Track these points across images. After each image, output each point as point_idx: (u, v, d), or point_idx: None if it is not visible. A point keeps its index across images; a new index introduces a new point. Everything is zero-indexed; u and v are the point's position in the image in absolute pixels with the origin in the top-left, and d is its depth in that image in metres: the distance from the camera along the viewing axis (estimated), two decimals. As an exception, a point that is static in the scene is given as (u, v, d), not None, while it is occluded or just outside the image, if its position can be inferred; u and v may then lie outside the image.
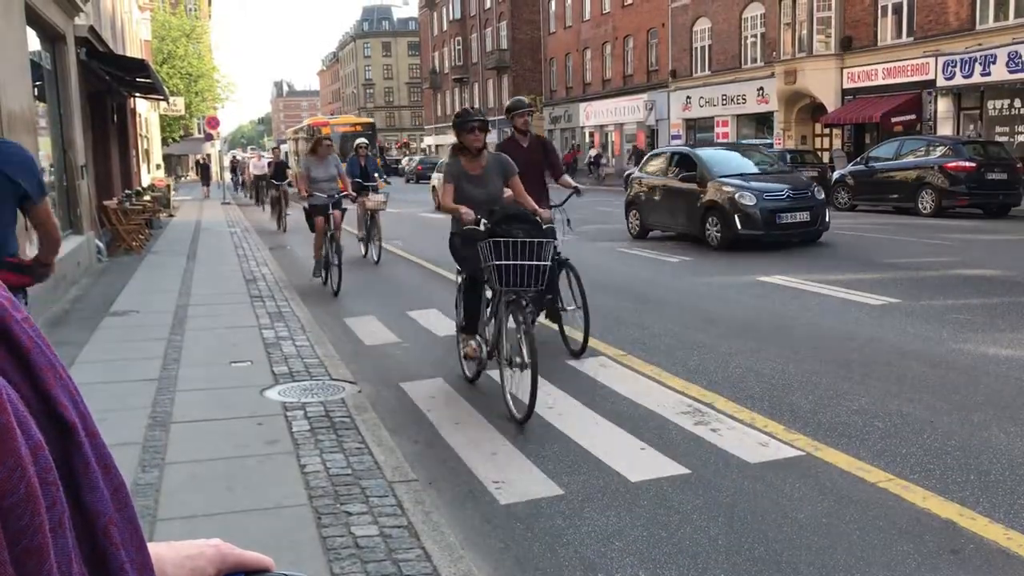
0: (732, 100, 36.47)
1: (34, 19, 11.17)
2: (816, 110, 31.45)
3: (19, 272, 4.34)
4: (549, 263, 5.93)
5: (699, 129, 39.45)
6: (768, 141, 33.16)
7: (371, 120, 44.30)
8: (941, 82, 26.13)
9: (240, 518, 4.10)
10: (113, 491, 0.72)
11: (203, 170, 44.96)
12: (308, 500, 4.26)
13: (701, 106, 38.63)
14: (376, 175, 15.41)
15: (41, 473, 0.60)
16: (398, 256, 15.43)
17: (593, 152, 46.52)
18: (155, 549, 0.89)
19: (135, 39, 29.19)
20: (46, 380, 0.68)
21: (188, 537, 0.94)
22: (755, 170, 15.75)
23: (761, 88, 34.03)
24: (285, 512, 4.15)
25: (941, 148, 20.43)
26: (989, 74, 24.52)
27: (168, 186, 30.72)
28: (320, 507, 4.16)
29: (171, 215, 26.23)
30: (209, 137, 41.30)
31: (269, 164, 28.96)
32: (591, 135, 51.08)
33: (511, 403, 5.85)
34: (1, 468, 0.55)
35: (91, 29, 14.96)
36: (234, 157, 55.17)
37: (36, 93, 11.20)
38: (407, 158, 66.14)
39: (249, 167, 32.16)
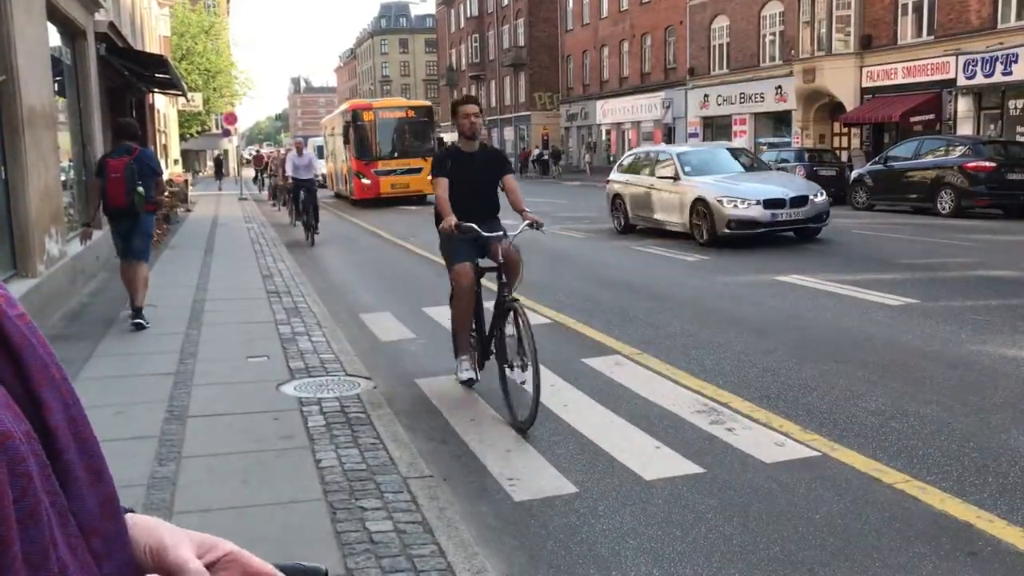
0: (750, 98, 36.29)
1: (55, 15, 11.25)
2: (835, 109, 31.25)
3: (153, 204, 8.73)
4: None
5: (716, 127, 39.31)
6: (786, 140, 33.03)
7: (426, 103, 31.90)
8: (961, 81, 25.91)
9: (255, 512, 4.11)
10: (102, 501, 0.71)
11: (217, 165, 50.46)
12: (323, 495, 4.27)
13: (719, 104, 38.47)
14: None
15: (10, 464, 0.59)
16: (412, 252, 15.45)
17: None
18: (169, 526, 0.88)
19: (154, 35, 29.37)
20: (35, 380, 0.67)
21: (203, 530, 0.94)
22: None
23: (779, 87, 33.85)
24: (300, 507, 4.16)
25: (961, 148, 20.26)
26: (1010, 73, 24.29)
27: (186, 181, 30.76)
28: (335, 502, 4.17)
29: (188, 210, 26.35)
30: (227, 133, 41.47)
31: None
32: (608, 133, 51.01)
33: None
34: None
35: (111, 25, 15.05)
36: (257, 151, 51.22)
37: (56, 88, 11.27)
38: None
39: (286, 166, 19.58)
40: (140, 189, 8.26)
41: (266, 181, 37.32)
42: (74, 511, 0.67)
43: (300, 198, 18.12)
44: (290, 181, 18.70)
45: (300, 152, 18.39)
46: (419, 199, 28.27)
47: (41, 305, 8.75)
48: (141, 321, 8.45)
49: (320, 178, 22.67)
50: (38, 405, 0.66)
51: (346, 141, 29.79)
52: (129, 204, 8.26)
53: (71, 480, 0.67)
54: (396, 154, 28.54)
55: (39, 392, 0.67)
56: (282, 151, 31.83)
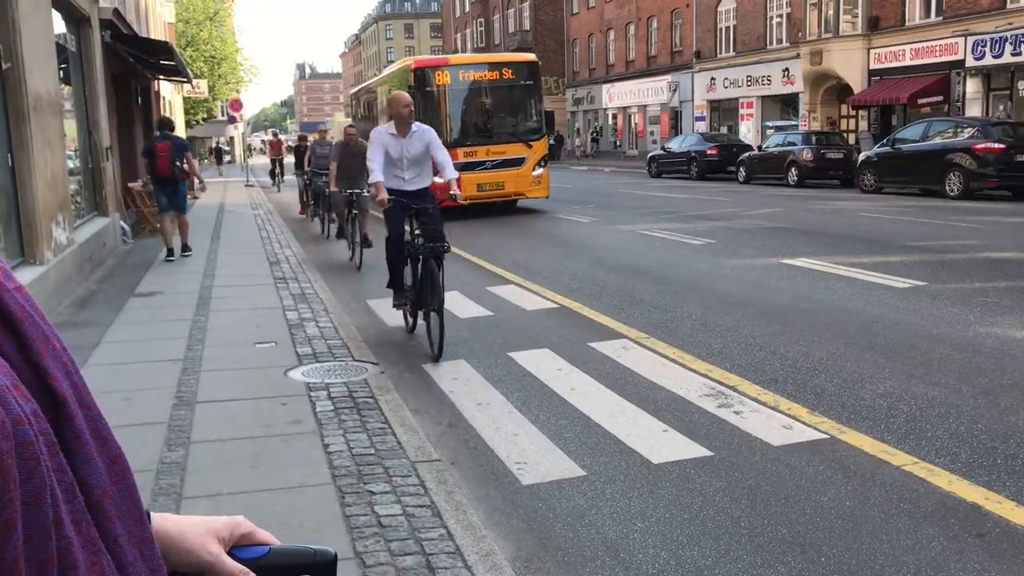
0: (757, 81, 36.12)
1: (59, 2, 11.23)
2: (842, 91, 31.08)
3: (186, 174, 12.16)
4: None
5: (723, 111, 39.15)
6: (793, 123, 32.88)
7: (528, 57, 20.25)
8: (970, 62, 25.73)
9: (264, 497, 4.13)
10: (110, 463, 0.72)
11: (218, 153, 53.26)
12: (332, 479, 4.29)
13: (725, 87, 38.30)
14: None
15: (18, 448, 0.60)
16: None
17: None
18: (174, 518, 0.90)
19: (159, 22, 29.31)
20: (37, 350, 0.67)
21: (213, 515, 0.95)
22: None
23: (786, 69, 33.68)
24: (309, 491, 4.18)
25: (969, 129, 20.14)
26: (1020, 54, 24.11)
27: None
28: (344, 486, 4.19)
29: (195, 197, 26.29)
30: (232, 120, 41.43)
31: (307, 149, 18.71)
32: (614, 117, 50.82)
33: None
34: None
35: (115, 12, 15.02)
36: (276, 135, 41.26)
37: (61, 75, 11.27)
38: None
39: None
40: (178, 164, 12.13)
41: (293, 178, 26.87)
42: (84, 476, 0.68)
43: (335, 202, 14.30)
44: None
45: (353, 142, 13.15)
46: (508, 204, 19.55)
47: (48, 292, 8.78)
48: (189, 253, 12.56)
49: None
50: (43, 375, 0.67)
51: None
52: (171, 173, 12.17)
53: (82, 445, 0.68)
54: (484, 137, 18.94)
55: (42, 362, 0.67)
56: (330, 135, 20.48)
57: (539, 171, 18.83)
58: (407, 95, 7.75)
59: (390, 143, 7.56)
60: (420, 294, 7.41)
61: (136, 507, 0.73)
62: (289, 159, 30.69)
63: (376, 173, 7.43)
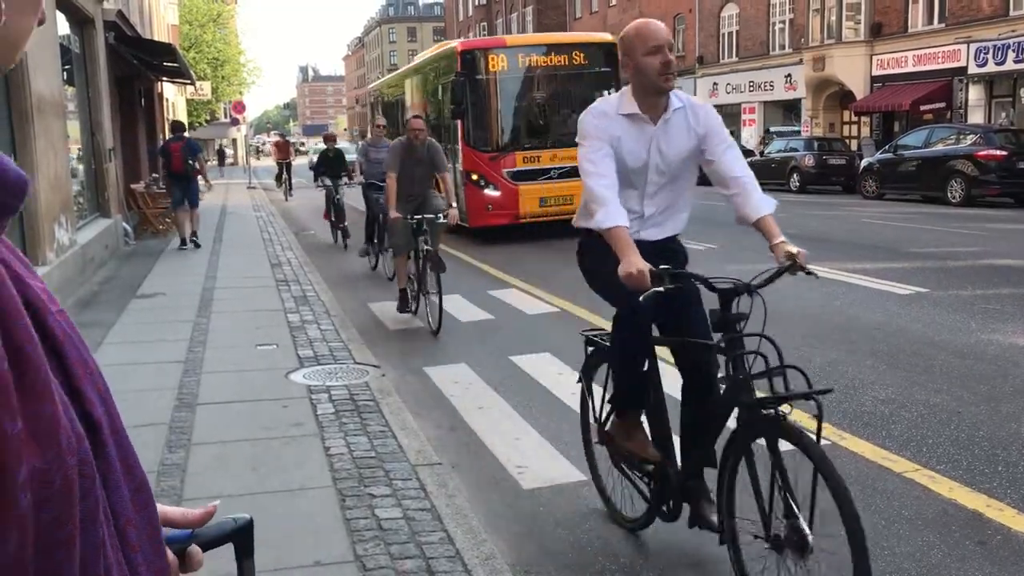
0: (759, 87, 36.13)
1: (63, 3, 11.25)
2: (845, 97, 31.09)
3: (197, 171, 14.05)
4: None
5: (726, 116, 39.09)
6: (796, 128, 32.89)
7: (604, 37, 16.34)
8: (973, 69, 25.73)
9: (265, 499, 4.13)
10: (134, 491, 0.71)
11: (220, 154, 54.30)
12: (332, 482, 4.29)
13: (728, 92, 38.31)
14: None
15: (80, 466, 0.60)
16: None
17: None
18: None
19: (162, 23, 29.35)
20: (77, 375, 0.67)
21: (214, 518, 0.95)
22: None
23: (789, 75, 33.68)
24: (309, 493, 4.18)
25: (971, 136, 20.14)
26: (1022, 61, 24.11)
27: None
28: (344, 489, 4.19)
29: (208, 188, 26.14)
30: (235, 122, 41.51)
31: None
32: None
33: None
34: (41, 460, 0.55)
35: (119, 13, 15.05)
36: (282, 136, 34.73)
37: (65, 77, 11.29)
38: None
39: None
40: (190, 161, 13.80)
41: (303, 184, 24.37)
42: (113, 503, 0.67)
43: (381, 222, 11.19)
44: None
45: (420, 142, 8.50)
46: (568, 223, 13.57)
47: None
48: (197, 241, 13.88)
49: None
50: (80, 399, 0.66)
51: (451, 115, 15.22)
52: (184, 170, 13.81)
53: (113, 472, 0.68)
54: (549, 138, 15.12)
55: (80, 386, 0.67)
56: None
57: None
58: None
59: (628, 133, 3.54)
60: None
61: (156, 537, 0.73)
62: (299, 161, 29.08)
63: (608, 207, 3.36)
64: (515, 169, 14.65)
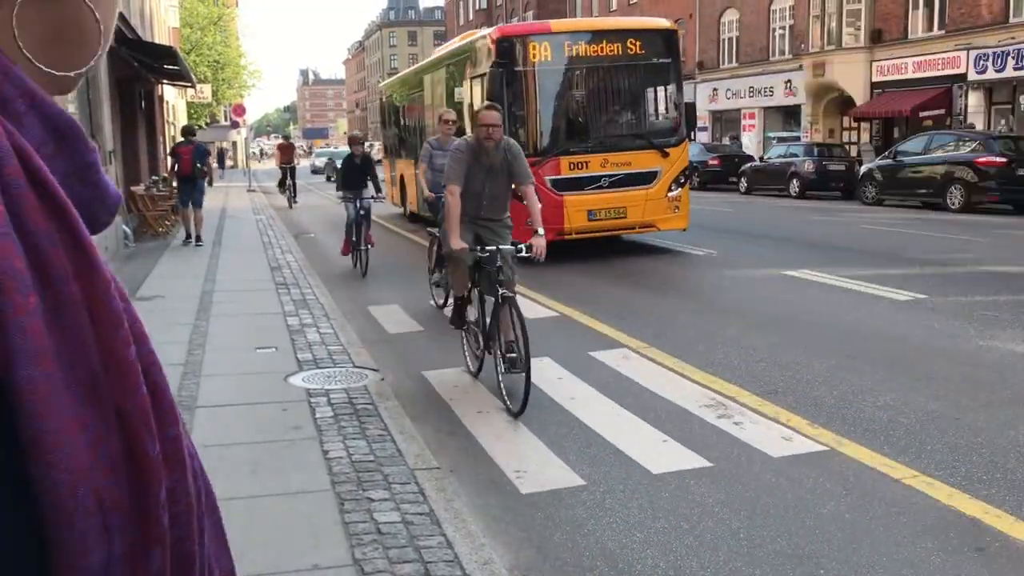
0: (759, 92, 36.15)
1: (65, 5, 11.26)
2: (845, 103, 31.12)
3: (204, 173, 15.63)
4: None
5: (725, 121, 39.19)
6: (796, 134, 32.92)
7: (661, 23, 14.03)
8: (972, 76, 25.76)
9: (263, 502, 4.13)
10: (205, 495, 0.73)
11: (219, 156, 53.78)
12: (331, 485, 4.29)
13: (728, 98, 38.33)
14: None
15: (194, 482, 0.62)
16: (420, 245, 15.45)
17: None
18: None
19: (163, 26, 29.38)
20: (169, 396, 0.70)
21: None
22: None
23: (789, 81, 33.71)
24: (308, 497, 4.18)
25: (971, 143, 20.16)
26: (1022, 68, 24.14)
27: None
28: (343, 493, 4.18)
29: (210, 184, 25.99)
30: (235, 124, 41.54)
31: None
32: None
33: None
34: (169, 480, 0.57)
35: (120, 15, 15.06)
36: (287, 138, 31.43)
37: (66, 79, 11.29)
38: None
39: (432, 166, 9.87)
40: (199, 165, 14.80)
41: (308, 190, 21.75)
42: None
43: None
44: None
45: (492, 144, 6.34)
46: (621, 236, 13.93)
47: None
48: (201, 243, 14.71)
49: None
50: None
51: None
52: (193, 172, 14.75)
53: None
54: (599, 140, 13.11)
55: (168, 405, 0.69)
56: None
57: (676, 191, 12.92)
58: None
59: None
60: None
61: (224, 547, 0.74)
62: (303, 164, 27.37)
63: None
64: (559, 177, 12.54)
